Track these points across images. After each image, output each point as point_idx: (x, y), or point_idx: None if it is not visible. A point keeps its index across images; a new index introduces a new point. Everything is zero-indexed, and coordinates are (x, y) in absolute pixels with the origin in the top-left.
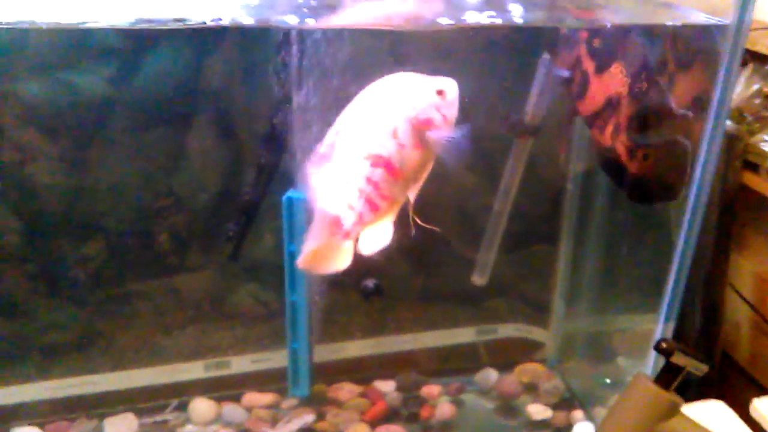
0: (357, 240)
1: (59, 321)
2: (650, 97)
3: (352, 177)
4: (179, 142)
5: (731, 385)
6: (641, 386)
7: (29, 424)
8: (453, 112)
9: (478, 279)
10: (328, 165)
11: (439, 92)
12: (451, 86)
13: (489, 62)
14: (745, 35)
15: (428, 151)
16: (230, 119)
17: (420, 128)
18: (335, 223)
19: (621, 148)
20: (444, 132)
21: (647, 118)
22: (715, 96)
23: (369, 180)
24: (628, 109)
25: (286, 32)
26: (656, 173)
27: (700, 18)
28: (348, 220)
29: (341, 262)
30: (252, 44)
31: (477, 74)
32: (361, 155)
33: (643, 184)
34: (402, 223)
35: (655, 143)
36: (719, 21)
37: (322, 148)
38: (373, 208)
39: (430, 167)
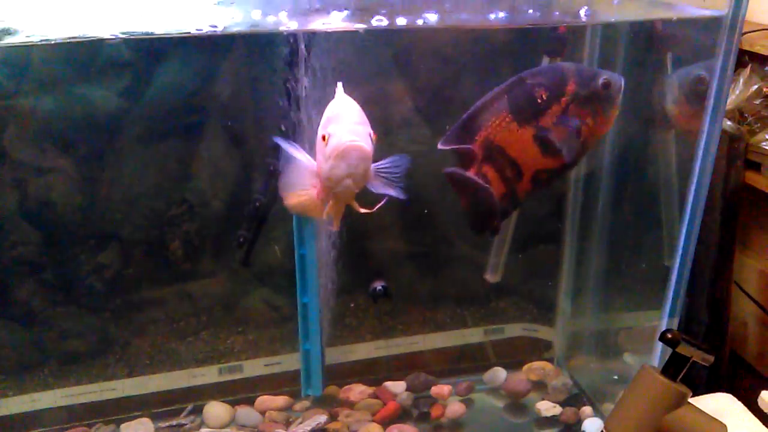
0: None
1: (76, 329)
2: None
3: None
4: (190, 152)
5: (740, 382)
6: (648, 378)
7: (48, 431)
8: (327, 164)
9: (491, 277)
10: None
11: (323, 136)
12: (344, 145)
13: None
14: (740, 27)
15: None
16: (240, 128)
17: None
18: (314, 173)
19: None
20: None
21: None
22: (712, 91)
23: None
24: None
25: (292, 45)
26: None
27: (695, 11)
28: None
29: (313, 211)
30: (259, 55)
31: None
32: None
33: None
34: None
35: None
36: (714, 13)
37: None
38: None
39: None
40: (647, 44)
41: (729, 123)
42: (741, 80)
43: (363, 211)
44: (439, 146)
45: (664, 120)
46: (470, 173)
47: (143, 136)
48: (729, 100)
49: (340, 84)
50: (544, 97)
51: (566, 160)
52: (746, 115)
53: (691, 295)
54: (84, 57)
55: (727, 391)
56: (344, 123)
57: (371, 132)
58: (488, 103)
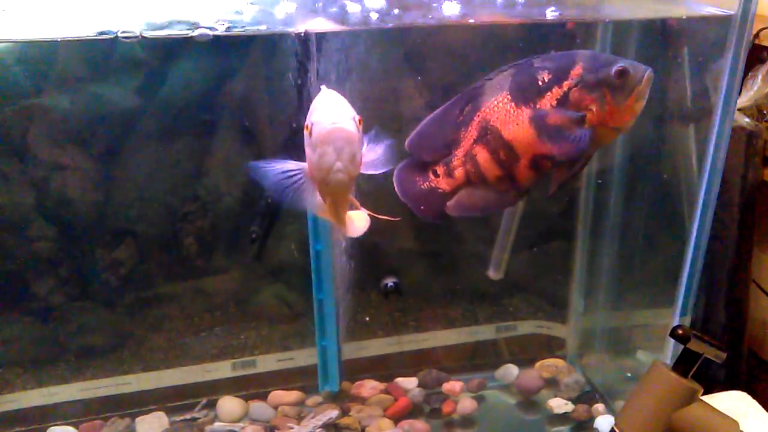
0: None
1: (92, 324)
2: None
3: None
4: (204, 149)
5: (758, 383)
6: (658, 373)
7: (65, 424)
8: (315, 154)
9: (494, 274)
10: None
11: (306, 126)
12: (328, 129)
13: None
14: (750, 25)
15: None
16: (252, 125)
17: None
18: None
19: None
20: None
21: None
22: (722, 87)
23: None
24: None
25: (304, 41)
26: None
27: (705, 9)
28: None
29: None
30: (271, 53)
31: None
32: None
33: None
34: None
35: None
36: (724, 12)
37: None
38: None
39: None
40: (662, 40)
41: (747, 120)
42: (759, 76)
43: (365, 210)
44: (407, 144)
45: (683, 115)
46: (398, 181)
47: (158, 133)
48: (747, 97)
49: (323, 87)
50: (546, 79)
51: (565, 148)
52: (765, 111)
53: (709, 294)
54: (99, 55)
55: (745, 391)
56: (326, 110)
57: (356, 116)
58: (491, 84)
